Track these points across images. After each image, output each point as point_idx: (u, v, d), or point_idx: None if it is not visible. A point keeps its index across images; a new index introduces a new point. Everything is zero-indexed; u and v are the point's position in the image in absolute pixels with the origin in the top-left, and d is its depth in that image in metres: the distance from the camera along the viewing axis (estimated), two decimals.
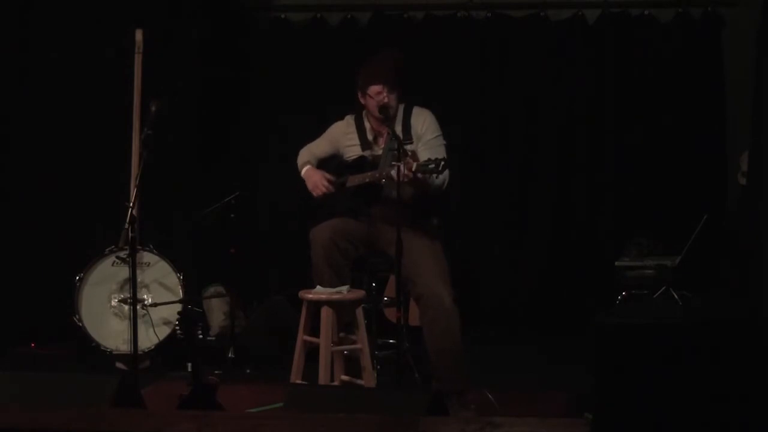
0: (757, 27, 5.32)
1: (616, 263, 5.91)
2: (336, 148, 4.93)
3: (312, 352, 4.43)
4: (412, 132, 4.70)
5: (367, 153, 4.80)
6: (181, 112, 5.95)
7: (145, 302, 5.33)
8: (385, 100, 4.64)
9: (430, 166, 4.26)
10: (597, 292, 6.18)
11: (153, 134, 4.69)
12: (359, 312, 4.47)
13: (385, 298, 5.54)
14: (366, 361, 4.45)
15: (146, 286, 5.37)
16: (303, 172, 4.91)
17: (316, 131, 5.09)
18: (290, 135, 6.22)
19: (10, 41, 5.98)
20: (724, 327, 2.78)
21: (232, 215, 5.49)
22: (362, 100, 4.79)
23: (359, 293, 4.49)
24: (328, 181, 4.81)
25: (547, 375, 5.24)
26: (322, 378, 4.32)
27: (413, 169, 4.29)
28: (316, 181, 4.83)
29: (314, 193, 4.83)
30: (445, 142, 4.73)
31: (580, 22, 6.47)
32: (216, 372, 5.06)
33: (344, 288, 4.45)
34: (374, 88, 4.67)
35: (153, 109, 4.79)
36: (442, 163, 4.25)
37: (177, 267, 5.40)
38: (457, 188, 6.31)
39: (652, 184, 6.36)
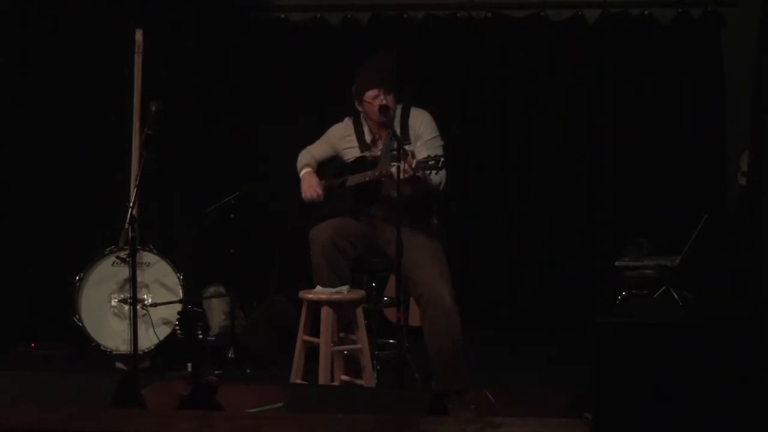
0: (757, 27, 5.32)
1: (616, 263, 5.91)
2: (335, 150, 4.94)
3: (312, 352, 4.43)
4: (410, 132, 4.70)
5: (366, 154, 4.80)
6: (181, 112, 5.95)
7: (145, 302, 5.33)
8: (383, 102, 4.65)
9: (430, 163, 4.26)
10: (597, 292, 6.19)
11: (153, 134, 4.69)
12: (359, 312, 4.47)
13: (385, 298, 5.54)
14: (366, 361, 4.45)
15: (146, 286, 5.37)
16: (302, 173, 4.94)
17: (315, 131, 5.10)
18: (290, 135, 6.21)
19: (10, 41, 5.98)
20: (724, 327, 2.78)
21: (232, 215, 5.49)
22: (360, 108, 4.80)
23: (359, 293, 4.49)
24: (323, 189, 4.82)
25: (547, 375, 5.24)
26: (322, 378, 4.32)
27: (413, 165, 4.29)
28: (310, 183, 4.84)
29: (303, 194, 4.85)
30: (443, 143, 4.74)
31: (580, 22, 6.47)
32: (216, 372, 5.06)
33: (344, 288, 4.45)
34: (370, 94, 4.69)
35: (153, 109, 4.78)
36: (442, 159, 4.26)
37: (177, 267, 5.41)
38: (457, 188, 6.33)
39: (651, 184, 6.36)
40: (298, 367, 4.45)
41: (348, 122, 4.92)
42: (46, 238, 5.97)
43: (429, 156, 4.31)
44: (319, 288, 4.48)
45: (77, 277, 5.38)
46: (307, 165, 4.95)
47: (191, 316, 5.44)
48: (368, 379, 4.43)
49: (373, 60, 4.81)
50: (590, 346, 2.82)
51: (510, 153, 6.57)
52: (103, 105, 5.94)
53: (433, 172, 4.34)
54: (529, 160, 6.55)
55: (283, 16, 6.73)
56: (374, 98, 4.67)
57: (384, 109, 4.60)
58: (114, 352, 5.34)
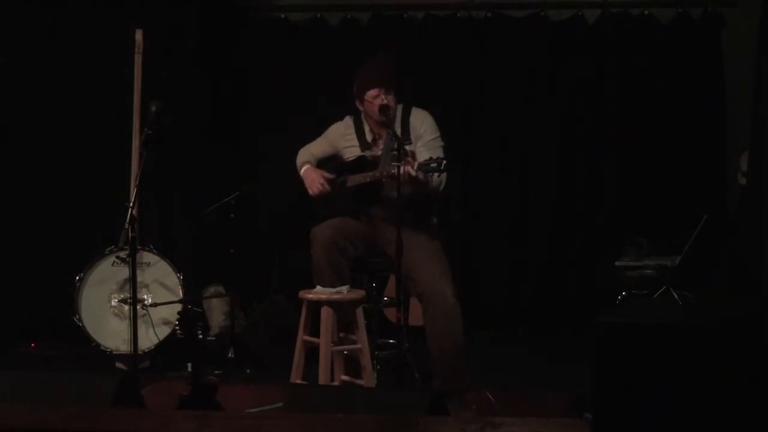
0: (757, 27, 5.32)
1: (616, 263, 5.91)
2: (335, 149, 4.94)
3: (312, 352, 4.43)
4: (411, 132, 4.70)
5: (366, 153, 4.80)
6: (181, 112, 5.94)
7: (145, 302, 5.33)
8: (384, 101, 4.65)
9: (432, 165, 4.27)
10: (597, 292, 6.19)
11: (153, 134, 4.69)
12: (359, 312, 4.47)
13: (385, 298, 5.54)
14: (366, 361, 4.45)
15: (146, 286, 5.37)
16: (302, 171, 4.93)
17: (316, 131, 5.10)
18: (290, 135, 6.21)
19: (10, 41, 5.97)
20: (725, 327, 2.78)
21: (232, 215, 5.49)
22: (360, 107, 4.80)
23: (359, 293, 4.49)
24: (327, 180, 4.82)
25: (547, 375, 5.24)
26: (322, 378, 4.32)
27: (415, 168, 4.29)
28: (313, 179, 4.84)
29: (310, 191, 4.84)
30: (443, 144, 4.74)
31: (580, 22, 6.47)
32: (216, 372, 5.06)
33: (344, 288, 4.45)
34: (371, 93, 4.68)
35: (153, 109, 4.78)
36: (444, 162, 4.26)
37: (177, 267, 5.40)
38: (458, 188, 6.33)
39: (651, 184, 6.36)
40: (298, 367, 4.45)
41: (348, 121, 4.92)
42: (46, 238, 5.97)
43: (431, 158, 4.31)
44: (319, 288, 4.48)
45: (77, 277, 5.38)
46: (306, 162, 4.95)
47: (191, 316, 5.44)
48: (368, 379, 4.43)
49: (373, 60, 4.81)
50: (590, 346, 2.82)
51: (510, 153, 6.56)
52: (103, 105, 5.94)
53: (435, 174, 4.34)
54: (529, 160, 6.54)
55: (283, 16, 6.73)
56: (375, 97, 4.67)
57: (384, 109, 4.60)
58: (114, 352, 5.34)
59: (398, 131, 4.56)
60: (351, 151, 4.86)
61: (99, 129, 5.96)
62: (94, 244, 5.64)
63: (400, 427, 2.70)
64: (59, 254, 5.89)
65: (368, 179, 4.67)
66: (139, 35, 5.45)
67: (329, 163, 4.97)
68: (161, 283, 5.39)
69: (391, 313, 5.61)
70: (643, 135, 6.38)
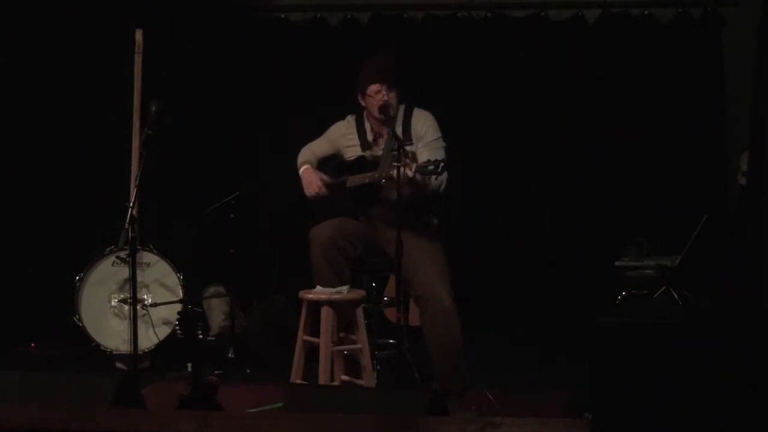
0: (757, 27, 5.32)
1: (616, 263, 5.91)
2: (336, 148, 4.94)
3: (312, 352, 4.43)
4: (412, 133, 4.71)
5: (367, 153, 4.81)
6: (181, 112, 5.94)
7: (145, 302, 5.33)
8: (385, 98, 4.65)
9: (429, 167, 4.26)
10: (597, 292, 6.18)
11: (153, 134, 4.68)
12: (359, 312, 4.47)
13: (385, 298, 5.54)
14: (366, 361, 4.45)
15: (146, 286, 5.37)
16: (301, 171, 4.94)
17: (316, 131, 5.10)
18: (290, 135, 6.22)
19: (10, 41, 5.97)
20: (725, 327, 2.78)
21: (232, 215, 5.49)
22: (362, 102, 4.79)
23: (359, 293, 4.49)
24: (324, 183, 4.82)
25: (547, 375, 5.24)
26: (322, 378, 4.32)
27: (412, 170, 4.29)
28: (311, 180, 4.85)
29: (306, 192, 4.86)
30: (444, 144, 4.74)
31: (580, 22, 6.47)
32: (216, 372, 5.06)
33: (344, 288, 4.45)
34: (373, 88, 4.68)
35: (153, 109, 4.78)
36: (441, 164, 4.26)
37: (177, 267, 5.40)
38: (458, 189, 6.33)
39: (652, 185, 6.36)
40: (298, 367, 4.45)
41: (350, 120, 4.93)
42: (46, 238, 5.97)
43: (428, 160, 4.31)
44: (319, 288, 4.48)
45: (77, 277, 5.38)
46: (306, 162, 4.95)
47: (191, 316, 5.43)
48: (368, 379, 4.43)
49: (378, 56, 4.82)
50: (590, 346, 2.82)
51: (510, 153, 6.56)
52: (103, 105, 5.94)
53: (433, 176, 4.34)
54: (529, 161, 6.54)
55: (283, 16, 6.73)
56: (377, 92, 4.68)
57: (384, 108, 4.60)
58: (114, 352, 5.34)
59: (399, 131, 4.56)
60: (352, 150, 4.86)
61: (99, 129, 5.96)
62: (94, 244, 5.64)
63: (400, 427, 2.70)
64: (59, 254, 5.89)
65: (367, 180, 4.67)
66: (139, 35, 5.45)
67: (329, 162, 4.97)
68: (161, 283, 5.40)
69: (391, 313, 5.61)
70: (643, 135, 6.38)
